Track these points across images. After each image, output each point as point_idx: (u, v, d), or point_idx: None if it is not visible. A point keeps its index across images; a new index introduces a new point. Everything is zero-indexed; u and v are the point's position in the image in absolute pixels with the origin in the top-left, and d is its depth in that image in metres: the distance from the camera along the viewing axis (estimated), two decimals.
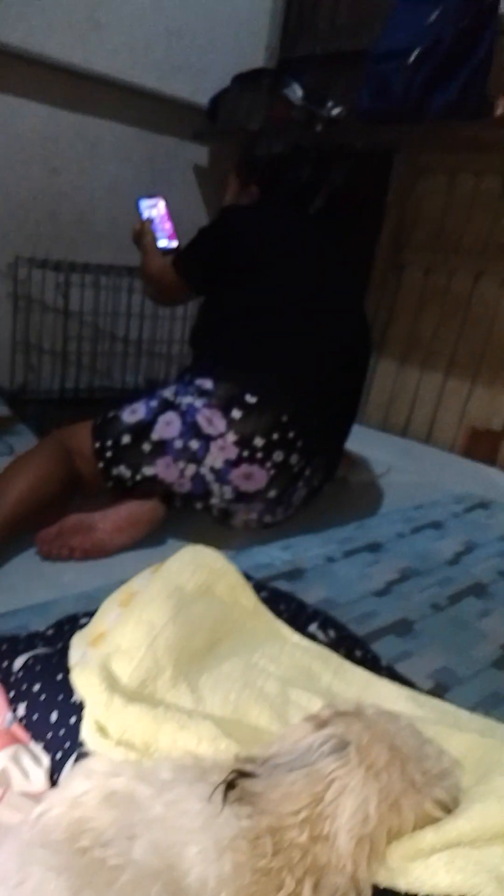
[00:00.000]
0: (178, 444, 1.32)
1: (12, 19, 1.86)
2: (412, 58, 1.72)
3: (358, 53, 1.94)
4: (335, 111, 2.17)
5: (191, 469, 1.32)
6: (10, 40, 1.86)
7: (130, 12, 2.08)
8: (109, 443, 1.35)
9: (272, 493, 1.34)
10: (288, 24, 2.44)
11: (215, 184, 2.31)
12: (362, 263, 2.24)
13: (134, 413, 1.37)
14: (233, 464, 1.30)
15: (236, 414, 1.30)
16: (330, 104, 2.17)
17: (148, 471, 1.34)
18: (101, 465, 1.36)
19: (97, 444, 1.36)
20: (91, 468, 1.37)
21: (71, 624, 0.78)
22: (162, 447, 1.33)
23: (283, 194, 1.56)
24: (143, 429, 1.34)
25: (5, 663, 0.68)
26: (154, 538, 1.35)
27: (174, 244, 1.66)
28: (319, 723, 0.57)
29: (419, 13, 1.75)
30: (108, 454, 1.35)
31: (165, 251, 1.65)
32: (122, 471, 1.35)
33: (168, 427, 1.33)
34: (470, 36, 1.72)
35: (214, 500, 1.36)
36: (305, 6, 2.40)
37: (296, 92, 2.18)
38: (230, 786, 0.52)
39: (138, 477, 1.34)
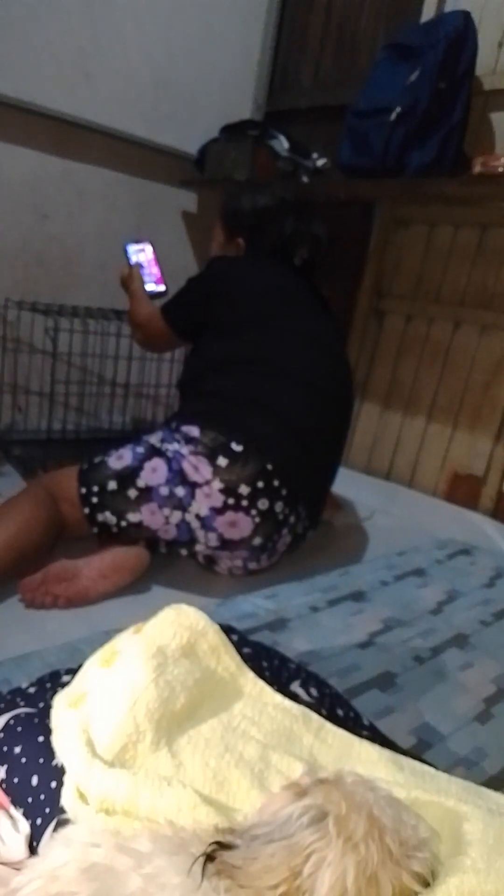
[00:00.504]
0: (164, 490, 1.33)
1: (4, 69, 1.91)
2: (392, 116, 1.79)
3: (341, 108, 2.01)
4: (319, 163, 2.24)
5: (176, 516, 1.33)
6: (1, 89, 1.91)
7: (120, 65, 2.14)
8: (95, 488, 1.36)
9: (257, 541, 1.35)
10: (273, 78, 2.52)
11: (203, 229, 2.36)
12: (344, 311, 2.29)
13: (120, 459, 1.38)
14: (218, 511, 1.31)
15: (222, 462, 1.32)
16: (314, 156, 2.24)
17: (133, 517, 1.34)
18: (86, 510, 1.36)
19: (83, 490, 1.37)
20: (76, 513, 1.37)
21: (53, 681, 0.78)
22: (148, 494, 1.34)
23: (268, 246, 1.60)
24: (129, 475, 1.35)
25: None
26: (139, 585, 1.35)
27: (161, 288, 1.69)
28: (299, 792, 0.57)
29: (399, 73, 1.82)
30: (94, 500, 1.36)
31: (153, 295, 1.68)
32: (108, 517, 1.36)
33: (154, 474, 1.34)
34: (448, 96, 1.80)
35: (199, 547, 1.36)
36: (290, 61, 2.49)
37: (281, 143, 2.25)
38: (209, 858, 0.52)
39: (123, 523, 1.35)
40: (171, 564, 1.44)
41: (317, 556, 1.58)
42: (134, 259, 1.72)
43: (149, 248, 1.73)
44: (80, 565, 1.30)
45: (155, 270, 1.72)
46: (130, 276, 1.70)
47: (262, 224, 1.62)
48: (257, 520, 1.32)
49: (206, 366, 1.52)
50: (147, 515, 1.34)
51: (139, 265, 1.71)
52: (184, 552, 1.39)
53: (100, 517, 1.36)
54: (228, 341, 1.49)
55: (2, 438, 2.02)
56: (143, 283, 1.69)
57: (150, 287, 1.69)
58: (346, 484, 1.91)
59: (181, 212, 2.47)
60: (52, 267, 2.17)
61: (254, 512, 1.31)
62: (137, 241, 1.74)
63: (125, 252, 1.73)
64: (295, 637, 1.11)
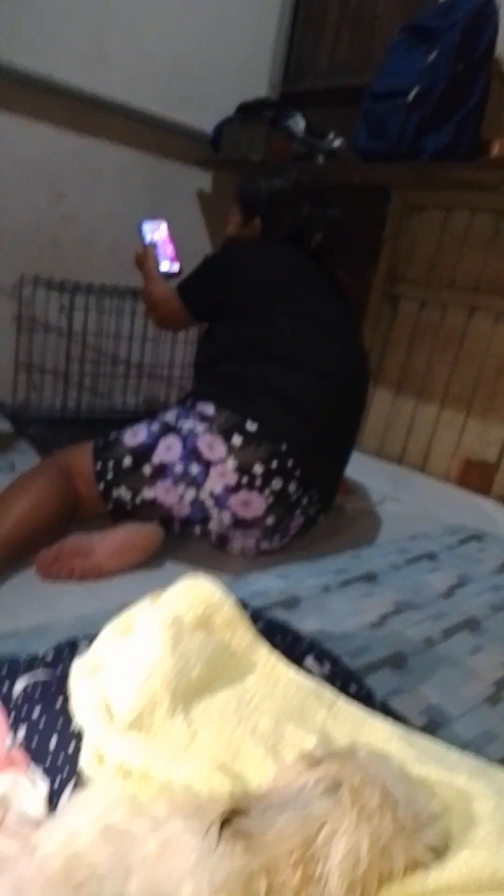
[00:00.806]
0: (179, 468, 1.33)
1: (23, 45, 1.90)
2: (408, 99, 1.76)
3: (358, 90, 1.99)
4: (335, 144, 2.22)
5: (190, 494, 1.34)
6: (19, 65, 1.90)
7: (136, 44, 2.13)
8: (110, 465, 1.37)
9: (270, 521, 1.35)
10: (289, 60, 2.50)
11: (218, 210, 2.35)
12: (358, 296, 2.28)
13: (135, 436, 1.39)
14: (232, 490, 1.32)
15: (237, 441, 1.32)
16: (330, 137, 2.22)
17: (147, 494, 1.35)
18: (101, 487, 1.37)
19: (98, 466, 1.38)
20: (91, 490, 1.38)
21: (70, 648, 0.79)
22: (162, 471, 1.34)
23: (283, 229, 1.59)
24: (143, 452, 1.36)
25: (6, 686, 0.69)
26: (152, 562, 1.36)
27: (176, 267, 1.68)
28: (312, 763, 0.58)
29: (416, 55, 1.80)
30: (109, 476, 1.37)
31: (167, 275, 1.67)
32: (122, 493, 1.36)
33: (169, 451, 1.35)
34: (465, 79, 1.77)
35: (212, 526, 1.37)
36: (306, 43, 2.46)
37: (297, 124, 2.23)
38: (224, 823, 0.53)
39: (138, 500, 1.36)
40: (184, 543, 1.44)
41: (328, 539, 1.59)
42: (148, 238, 1.71)
43: (164, 227, 1.72)
44: (95, 541, 1.31)
45: (170, 249, 1.71)
46: (145, 256, 1.69)
47: (277, 207, 1.61)
48: (270, 500, 1.33)
49: (220, 349, 1.52)
50: (161, 493, 1.35)
51: (154, 244, 1.70)
52: (197, 531, 1.40)
53: (114, 494, 1.37)
54: (242, 325, 1.49)
55: (16, 416, 2.03)
56: (157, 262, 1.68)
57: (165, 267, 1.68)
58: (358, 468, 1.91)
59: (196, 192, 2.45)
60: (67, 246, 2.17)
61: (267, 492, 1.32)
62: (152, 220, 1.73)
63: (139, 231, 1.72)
64: (306, 617, 1.11)
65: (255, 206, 1.64)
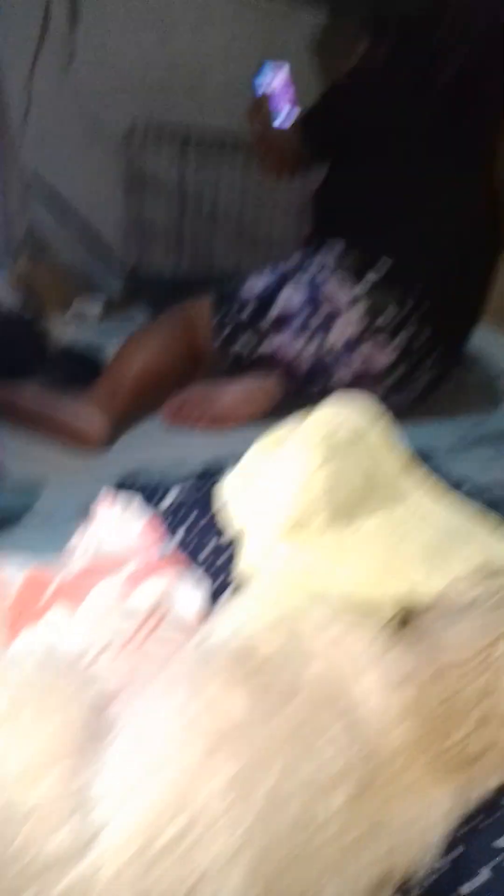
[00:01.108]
0: (299, 319, 1.27)
1: None
2: None
3: None
4: None
5: (311, 347, 1.28)
6: None
7: None
8: (228, 318, 1.32)
9: (398, 373, 1.28)
10: None
11: (332, 50, 2.14)
12: (493, 145, 2.04)
13: (254, 288, 1.33)
14: (357, 340, 1.25)
15: (370, 277, 1.23)
16: None
17: (266, 348, 1.31)
18: (219, 341, 1.34)
19: (215, 320, 1.34)
20: (209, 344, 1.35)
21: (217, 467, 0.78)
22: (282, 323, 1.29)
23: (414, 60, 1.41)
24: (262, 304, 1.30)
25: (157, 497, 0.68)
26: (274, 417, 1.32)
27: (295, 113, 1.55)
28: (487, 575, 0.55)
29: None
30: (227, 330, 1.33)
31: (286, 121, 1.55)
32: (240, 347, 1.33)
33: (289, 301, 1.29)
34: None
35: (334, 382, 1.31)
36: None
37: None
38: (400, 624, 0.51)
39: (256, 354, 1.32)
40: (304, 403, 1.40)
41: (450, 405, 1.50)
42: (263, 87, 1.58)
43: (281, 73, 1.58)
44: (219, 391, 1.29)
45: (288, 94, 1.57)
46: (258, 107, 1.56)
47: (408, 35, 1.43)
48: (400, 349, 1.25)
49: (344, 188, 1.41)
50: (280, 346, 1.30)
51: (268, 95, 1.57)
52: (317, 387, 1.34)
53: (233, 348, 1.33)
54: (372, 159, 1.36)
55: (130, 278, 1.99)
56: (272, 113, 1.56)
57: (282, 115, 1.56)
58: (479, 339, 1.79)
59: (311, 27, 2.23)
60: (176, 93, 2.04)
61: (398, 340, 1.24)
62: (268, 68, 1.59)
63: (257, 78, 1.58)
64: (436, 473, 1.07)
65: (383, 34, 1.46)
